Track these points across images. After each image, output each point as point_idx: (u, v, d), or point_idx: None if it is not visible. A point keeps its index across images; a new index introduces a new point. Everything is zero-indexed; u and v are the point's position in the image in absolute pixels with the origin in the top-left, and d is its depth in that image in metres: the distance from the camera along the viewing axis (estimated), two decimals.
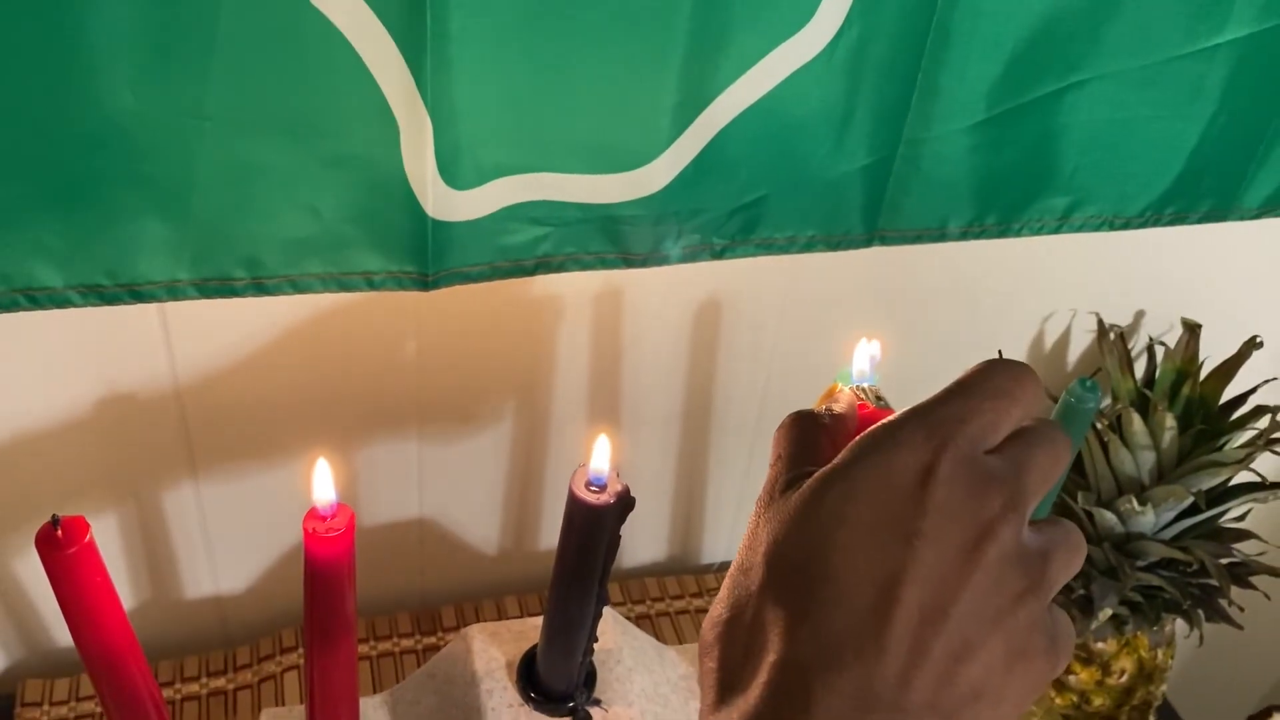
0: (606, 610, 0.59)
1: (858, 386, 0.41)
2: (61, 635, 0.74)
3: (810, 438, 0.36)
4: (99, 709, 0.71)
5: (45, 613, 0.72)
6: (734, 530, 0.87)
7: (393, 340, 0.67)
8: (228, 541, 0.72)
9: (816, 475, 0.32)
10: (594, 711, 0.55)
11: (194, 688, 0.74)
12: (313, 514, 0.44)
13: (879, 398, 0.40)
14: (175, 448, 0.66)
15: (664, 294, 0.71)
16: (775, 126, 0.60)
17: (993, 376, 0.33)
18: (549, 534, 0.82)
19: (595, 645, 0.53)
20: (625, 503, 0.46)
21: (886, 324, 0.78)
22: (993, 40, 0.62)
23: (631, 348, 0.72)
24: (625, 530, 0.80)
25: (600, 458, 0.46)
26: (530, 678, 0.56)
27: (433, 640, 0.76)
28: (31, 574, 0.69)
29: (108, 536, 0.69)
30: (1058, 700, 0.85)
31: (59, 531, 0.45)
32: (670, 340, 0.73)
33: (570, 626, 0.51)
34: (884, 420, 0.33)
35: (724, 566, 0.89)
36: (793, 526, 0.31)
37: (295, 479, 0.71)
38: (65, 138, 0.50)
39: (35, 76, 0.48)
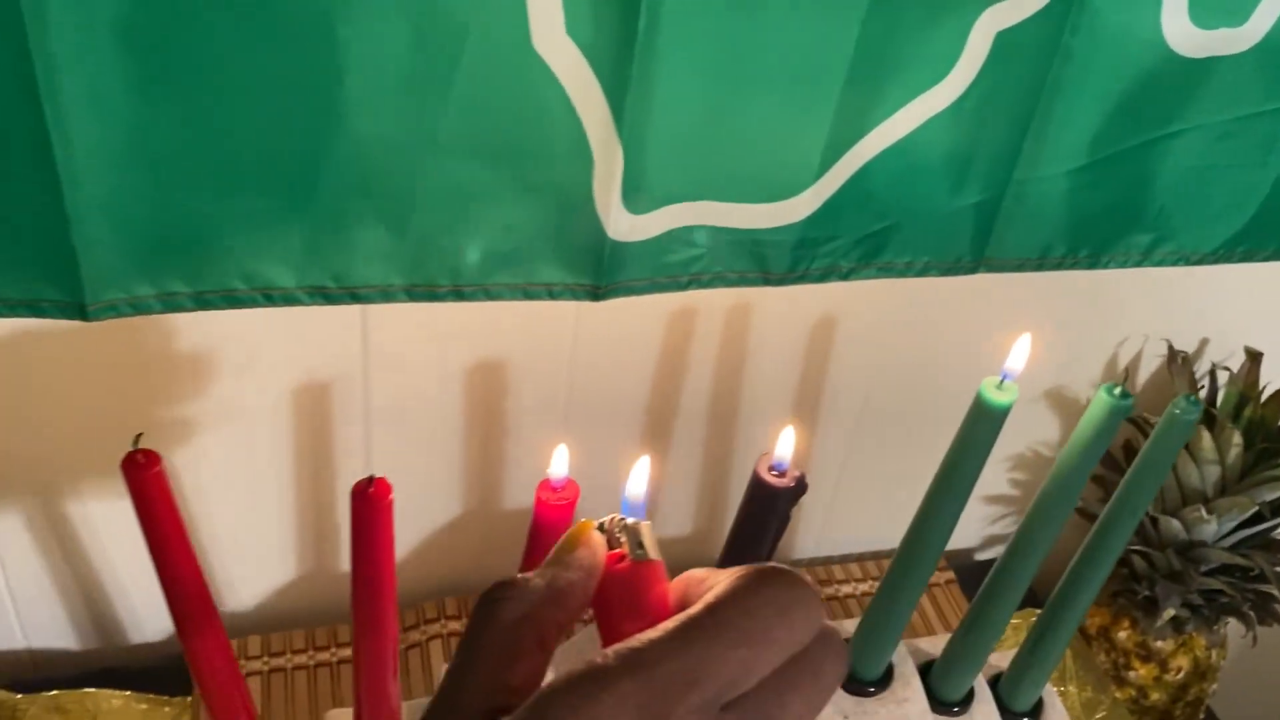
0: None
1: (618, 521, 0.30)
2: (232, 597, 0.82)
3: (509, 640, 0.27)
4: (266, 667, 0.79)
5: (220, 575, 0.80)
6: (823, 528, 0.95)
7: (554, 344, 0.75)
8: None
9: None
10: None
11: (346, 652, 0.81)
12: (544, 485, 0.52)
13: (640, 545, 0.29)
14: (356, 435, 0.74)
15: (786, 309, 0.79)
16: (906, 166, 0.68)
17: (752, 611, 0.25)
18: (663, 523, 0.90)
19: None
20: (800, 487, 0.54)
21: (973, 346, 0.86)
22: (1099, 95, 0.70)
23: (753, 355, 0.80)
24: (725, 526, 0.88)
25: (785, 446, 0.54)
26: None
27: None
28: (205, 541, 0.77)
29: (285, 510, 0.77)
30: (1118, 694, 0.93)
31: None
32: (787, 350, 0.81)
33: None
34: (589, 667, 0.24)
35: (812, 561, 0.97)
36: None
37: (452, 460, 0.79)
38: (316, 158, 0.58)
39: (301, 104, 0.56)
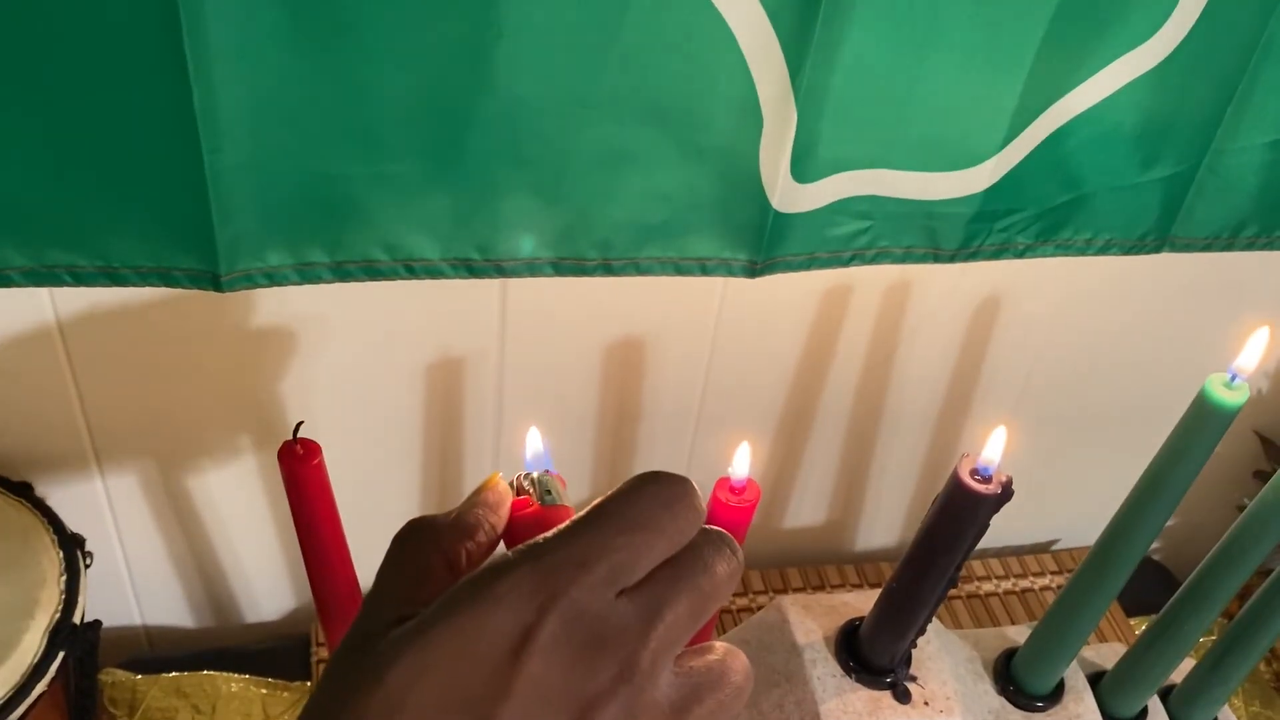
0: None
1: (524, 476, 0.33)
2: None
3: (417, 560, 0.29)
4: None
5: None
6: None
7: (696, 324, 0.70)
8: None
9: (392, 637, 0.26)
10: (911, 687, 0.58)
11: None
12: (723, 484, 0.48)
13: (548, 492, 0.32)
14: (488, 415, 0.70)
15: (950, 288, 0.73)
16: (1100, 133, 0.62)
17: (636, 502, 0.27)
18: (794, 514, 0.85)
19: (929, 626, 0.56)
20: (1006, 494, 0.49)
21: (1149, 333, 0.80)
22: None
23: (909, 337, 0.74)
24: (866, 514, 0.82)
25: (994, 448, 0.49)
26: (850, 650, 0.59)
27: (744, 601, 0.80)
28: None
29: (412, 490, 0.74)
30: (1263, 669, 0.86)
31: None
32: (947, 332, 0.75)
33: (915, 605, 0.54)
34: (489, 562, 0.27)
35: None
36: (355, 700, 0.25)
37: (584, 445, 0.74)
38: (467, 120, 0.53)
39: (453, 61, 0.51)
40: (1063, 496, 0.89)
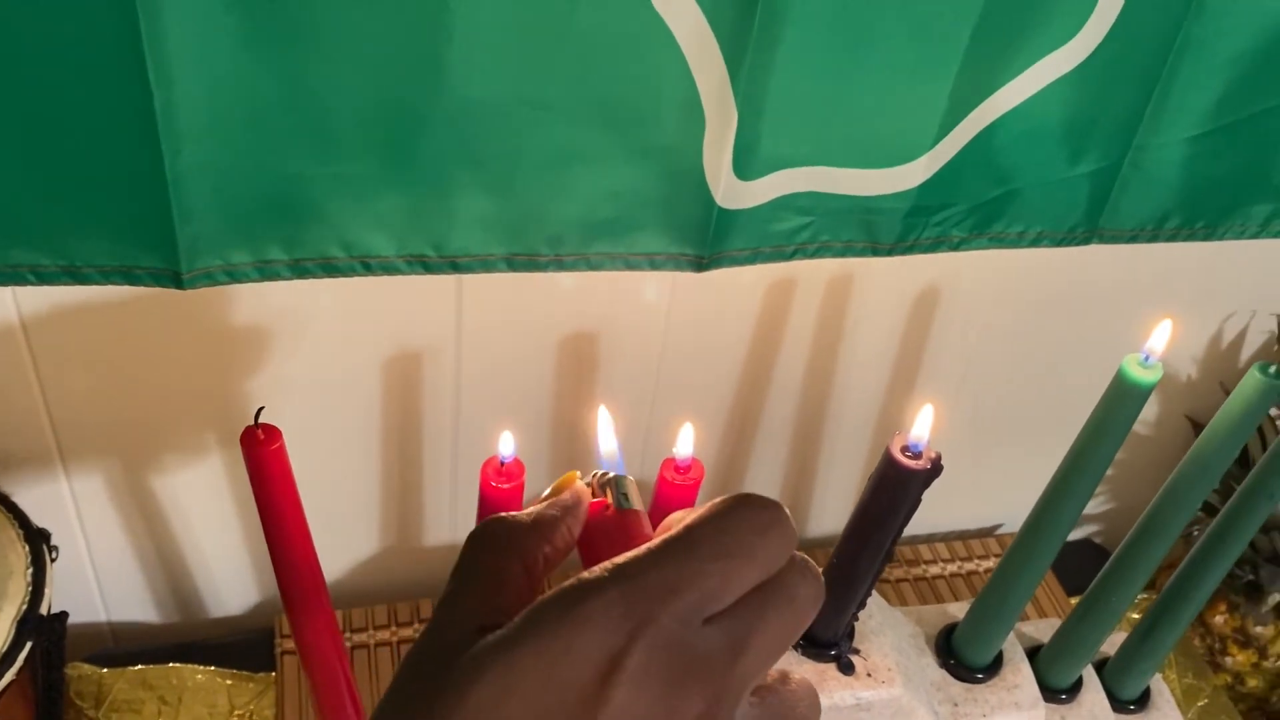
0: None
1: (601, 476, 0.32)
2: None
3: (495, 566, 0.28)
4: (349, 644, 0.78)
5: None
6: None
7: (648, 316, 0.72)
8: (471, 492, 0.78)
9: (474, 652, 0.25)
10: (855, 660, 0.61)
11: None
12: (668, 464, 0.50)
13: (625, 495, 0.31)
14: (445, 409, 0.72)
15: (891, 280, 0.76)
16: (1027, 131, 0.65)
17: (729, 528, 0.27)
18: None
19: (869, 600, 0.58)
20: (936, 469, 0.51)
21: (1077, 321, 0.83)
22: (1228, 56, 0.66)
23: (852, 327, 0.77)
24: (815, 498, 0.85)
25: (922, 425, 0.51)
26: None
27: None
28: None
29: (372, 483, 0.76)
30: (1198, 644, 0.90)
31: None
32: (888, 323, 0.78)
33: (855, 579, 0.57)
34: (577, 580, 0.26)
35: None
36: (435, 716, 0.24)
37: (541, 431, 0.77)
38: (420, 120, 0.55)
39: (406, 63, 0.53)
40: (1005, 481, 0.93)
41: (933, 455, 0.51)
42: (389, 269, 0.60)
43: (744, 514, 0.27)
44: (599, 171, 0.60)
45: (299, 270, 0.59)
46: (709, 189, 0.62)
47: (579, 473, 0.32)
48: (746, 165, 0.61)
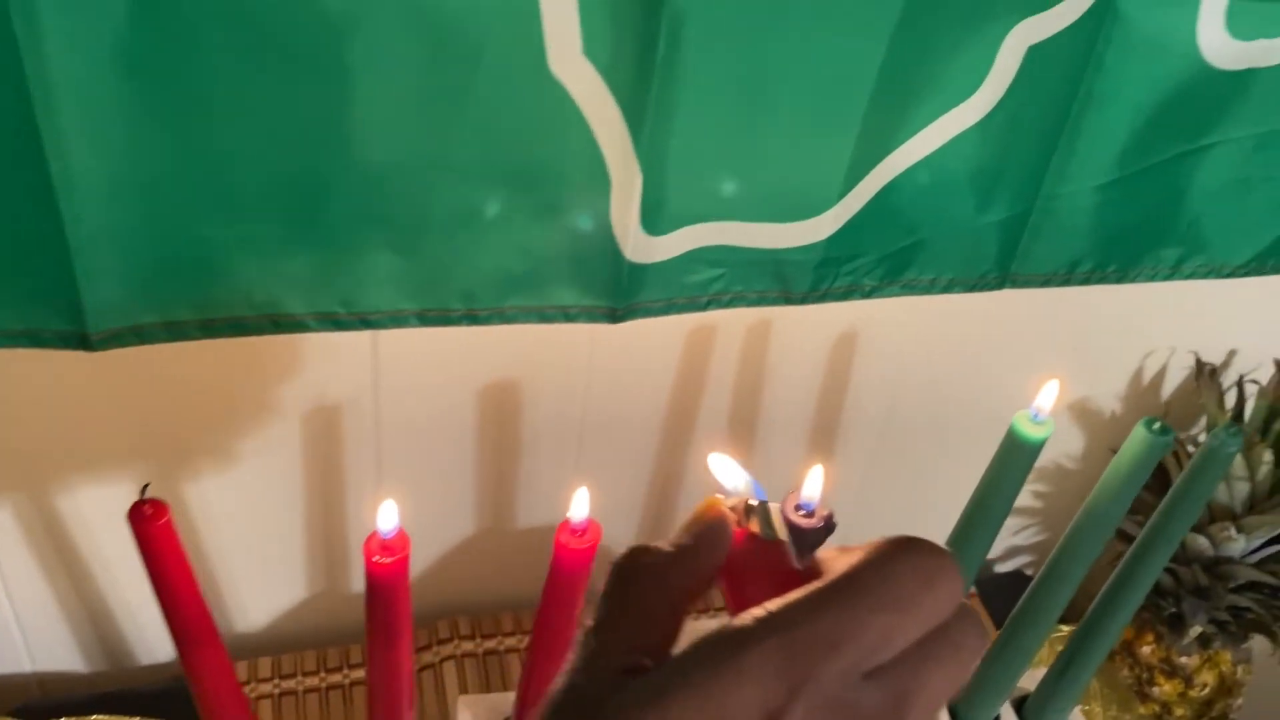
0: None
1: (744, 503, 0.30)
2: (237, 620, 0.80)
3: (641, 603, 0.27)
4: (277, 690, 0.78)
5: (224, 599, 0.79)
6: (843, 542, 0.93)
7: (569, 364, 0.73)
8: None
9: (625, 698, 0.24)
10: None
11: (360, 673, 0.80)
12: (564, 527, 0.51)
13: (768, 525, 0.30)
14: (368, 459, 0.73)
15: (809, 325, 0.77)
16: (932, 184, 0.66)
17: (895, 577, 0.25)
18: None
19: None
20: (828, 527, 0.52)
21: (998, 360, 0.84)
22: (1131, 108, 0.68)
23: (773, 372, 0.78)
24: None
25: (813, 485, 0.52)
26: None
27: None
28: (216, 561, 0.76)
29: (294, 529, 0.76)
30: (1141, 710, 0.91)
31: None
32: (809, 366, 0.79)
33: None
34: (733, 628, 0.24)
35: None
36: None
37: (465, 479, 0.77)
38: (324, 184, 0.56)
39: (307, 130, 0.54)
40: (935, 519, 0.94)
41: (825, 514, 0.52)
42: (300, 327, 0.61)
43: (911, 561, 0.26)
44: (507, 229, 0.61)
45: (209, 330, 0.60)
46: (618, 245, 0.62)
47: (721, 498, 0.30)
48: (654, 222, 0.62)
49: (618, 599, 0.27)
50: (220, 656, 0.54)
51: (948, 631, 0.26)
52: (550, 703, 0.26)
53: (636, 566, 0.28)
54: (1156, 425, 0.54)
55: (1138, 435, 0.54)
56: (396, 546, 0.50)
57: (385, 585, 0.49)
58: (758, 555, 0.29)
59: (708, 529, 0.29)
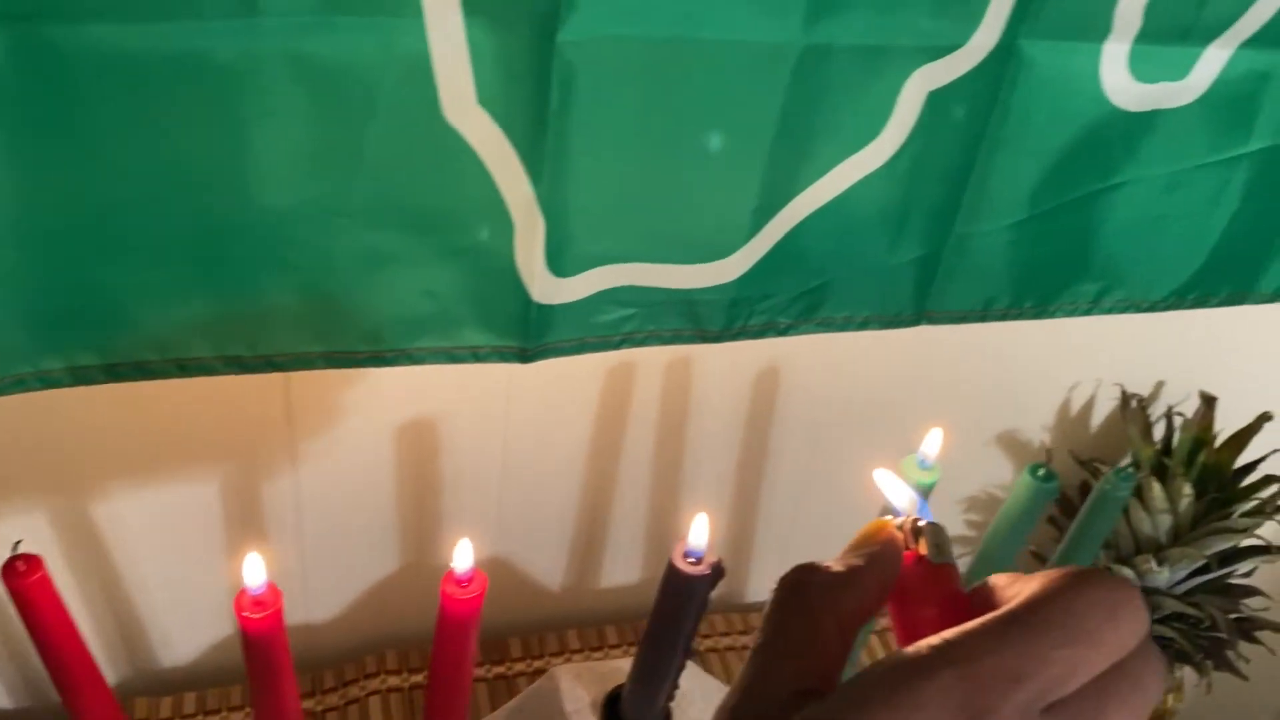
0: None
1: (913, 524, 0.29)
2: (166, 655, 0.81)
3: (811, 623, 0.27)
4: None
5: (152, 632, 0.79)
6: (777, 574, 0.94)
7: (485, 400, 0.73)
8: (322, 573, 0.79)
9: None
10: None
11: None
12: (449, 577, 0.51)
13: (939, 546, 0.29)
14: (287, 489, 0.73)
15: (729, 362, 0.77)
16: (840, 225, 0.67)
17: (1077, 609, 0.24)
18: (609, 574, 0.88)
19: (676, 691, 0.60)
20: (718, 574, 0.53)
21: (921, 394, 0.85)
22: (1039, 149, 0.68)
23: (696, 409, 0.79)
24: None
25: (698, 534, 0.53)
26: (614, 716, 0.63)
27: (501, 669, 0.83)
28: (141, 595, 0.76)
29: (216, 565, 0.76)
30: None
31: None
32: (731, 403, 0.80)
33: (657, 676, 0.58)
34: (909, 657, 0.24)
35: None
36: None
37: (387, 519, 0.77)
38: (227, 231, 0.56)
39: (200, 179, 0.54)
40: None
41: (714, 561, 0.53)
42: (205, 370, 0.61)
43: (1094, 595, 0.25)
44: (410, 273, 0.61)
45: (113, 374, 0.60)
46: (524, 287, 0.63)
47: (891, 519, 0.30)
48: (560, 264, 0.63)
49: (785, 618, 0.27)
50: (106, 702, 0.54)
51: (1128, 666, 0.25)
52: (724, 719, 0.26)
53: (805, 585, 0.27)
54: (1041, 472, 0.54)
55: (1023, 482, 0.54)
56: (268, 601, 0.50)
57: (259, 640, 0.49)
58: (925, 578, 0.28)
59: (882, 550, 0.28)
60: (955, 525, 0.97)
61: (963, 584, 0.29)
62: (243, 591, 0.51)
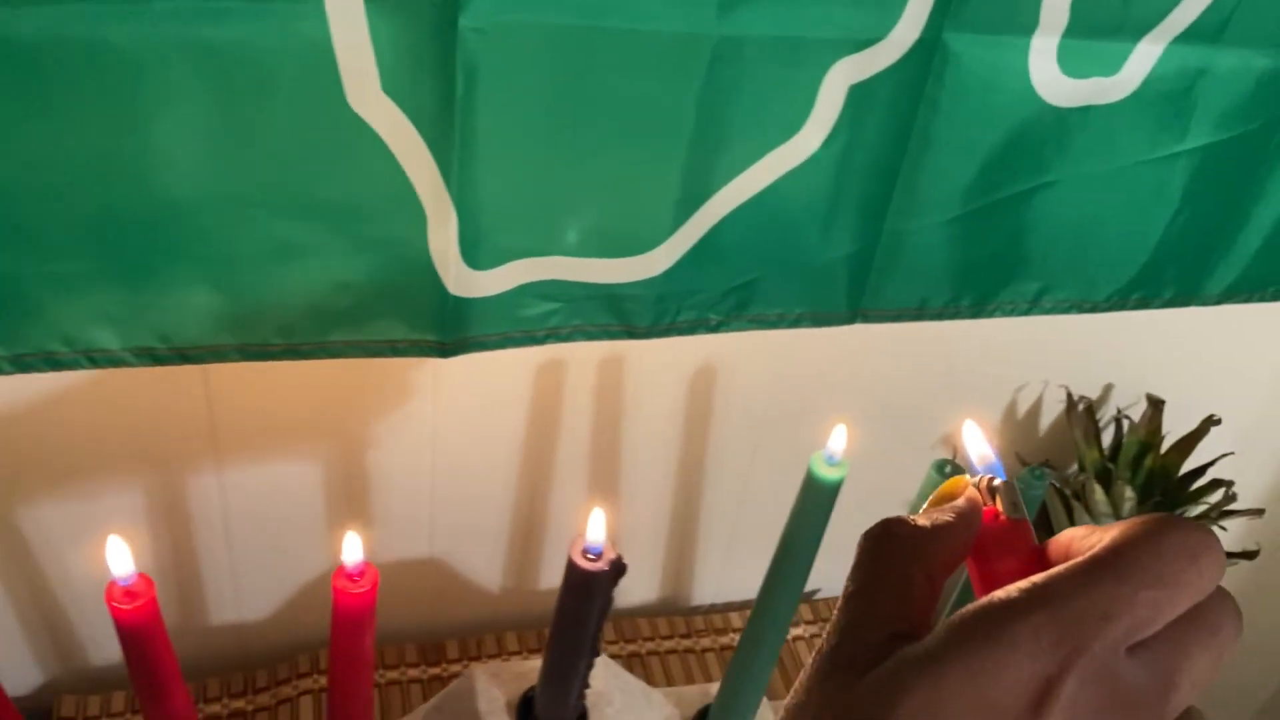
0: (601, 657, 0.64)
1: (987, 481, 0.30)
2: (95, 653, 0.80)
3: (900, 571, 0.28)
4: None
5: (80, 630, 0.78)
6: (721, 575, 0.93)
7: (411, 398, 0.73)
8: (252, 572, 0.78)
9: (896, 662, 0.25)
10: None
11: (215, 708, 0.79)
12: (340, 572, 0.50)
13: (1015, 504, 0.30)
14: (208, 489, 0.72)
15: (664, 360, 0.77)
16: (767, 220, 0.66)
17: (1163, 556, 0.25)
18: (548, 575, 0.87)
19: (587, 690, 0.58)
20: (618, 569, 0.52)
21: (861, 394, 0.84)
22: (969, 145, 0.67)
23: (632, 407, 0.78)
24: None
25: (596, 529, 0.52)
26: (528, 716, 0.62)
27: (437, 671, 0.82)
28: (67, 594, 0.75)
29: (140, 565, 0.75)
30: None
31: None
32: (668, 400, 0.79)
33: (566, 675, 0.57)
34: (1001, 599, 0.25)
35: (712, 608, 0.95)
36: None
37: (317, 518, 0.77)
38: (131, 222, 0.56)
39: (100, 167, 0.53)
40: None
41: (613, 556, 0.52)
42: (116, 362, 0.60)
43: (1177, 539, 0.25)
44: (322, 264, 0.60)
45: (21, 365, 0.59)
46: (440, 279, 0.62)
47: (968, 477, 0.31)
48: (476, 257, 0.62)
49: (877, 567, 0.28)
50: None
51: (1205, 613, 0.26)
52: (823, 663, 0.26)
53: (893, 536, 0.28)
54: (947, 468, 0.53)
55: (927, 479, 0.54)
56: (140, 591, 0.49)
57: (133, 632, 0.48)
58: (1002, 534, 0.29)
59: (965, 505, 0.29)
60: None
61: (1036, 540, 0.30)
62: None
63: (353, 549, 0.50)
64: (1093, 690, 0.24)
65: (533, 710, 0.61)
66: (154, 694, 0.51)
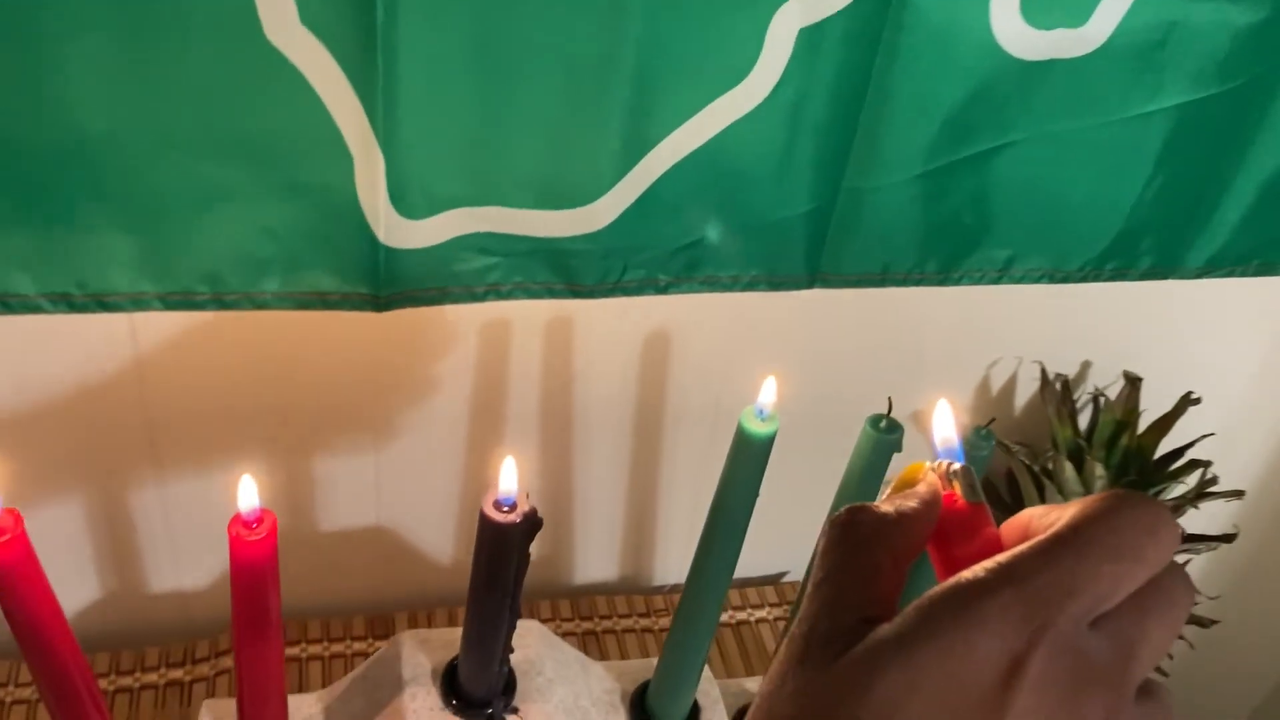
0: (533, 623, 0.62)
1: (946, 467, 0.31)
2: None
3: (868, 557, 0.28)
4: (37, 696, 0.75)
5: None
6: (684, 553, 0.90)
7: (351, 357, 0.70)
8: (191, 539, 0.76)
9: (869, 644, 0.26)
10: (510, 718, 0.58)
11: (153, 677, 0.77)
12: (236, 520, 0.48)
13: (973, 487, 0.30)
14: (139, 447, 0.70)
15: (614, 324, 0.74)
16: (715, 173, 0.63)
17: (1121, 530, 0.26)
18: None
19: (512, 655, 0.56)
20: (533, 523, 0.49)
21: (833, 366, 0.81)
22: (929, 99, 0.65)
23: (583, 373, 0.75)
24: (578, 549, 0.83)
25: (508, 479, 0.49)
26: (452, 684, 0.59)
27: (385, 644, 0.79)
28: None
29: (75, 529, 0.73)
30: None
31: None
32: (620, 367, 0.76)
33: (486, 638, 0.54)
34: (968, 580, 0.26)
35: (675, 589, 0.92)
36: (843, 702, 0.25)
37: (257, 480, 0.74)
38: (41, 157, 0.54)
39: (12, 100, 0.51)
40: (787, 528, 0.90)
41: (527, 508, 0.49)
42: (31, 308, 0.58)
43: (1135, 514, 0.26)
44: (246, 208, 0.58)
45: None
46: (370, 227, 0.60)
47: (927, 463, 0.31)
48: (408, 205, 0.60)
49: (841, 553, 0.28)
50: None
51: (1161, 584, 0.27)
52: (796, 648, 0.27)
53: (860, 524, 0.29)
54: (883, 424, 0.51)
55: (865, 435, 0.51)
56: (6, 525, 0.46)
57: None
58: (962, 518, 0.30)
59: (927, 491, 0.30)
60: None
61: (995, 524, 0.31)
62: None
63: (248, 494, 0.47)
64: (1059, 664, 0.24)
65: (457, 677, 0.59)
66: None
